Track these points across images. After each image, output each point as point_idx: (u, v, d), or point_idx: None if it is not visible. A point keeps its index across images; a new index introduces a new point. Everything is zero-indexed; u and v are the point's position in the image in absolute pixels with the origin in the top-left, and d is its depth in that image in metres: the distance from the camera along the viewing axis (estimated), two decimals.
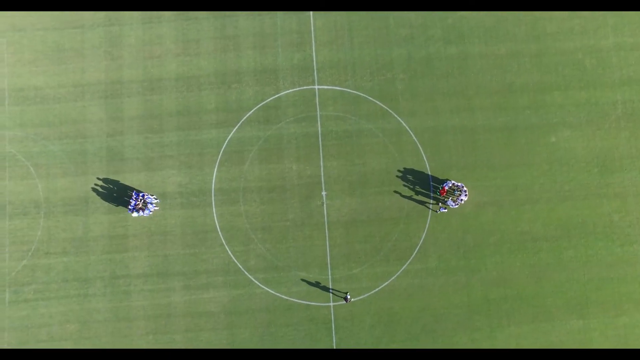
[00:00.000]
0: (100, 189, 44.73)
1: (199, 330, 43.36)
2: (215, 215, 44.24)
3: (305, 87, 45.54)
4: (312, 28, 46.21)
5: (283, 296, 43.58)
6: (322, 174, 44.60)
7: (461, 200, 43.89)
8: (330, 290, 43.42)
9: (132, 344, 43.15)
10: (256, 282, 43.65)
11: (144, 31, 46.24)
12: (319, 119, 45.16)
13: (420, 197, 44.67)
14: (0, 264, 43.78)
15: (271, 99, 45.29)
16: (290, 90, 45.50)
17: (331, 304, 43.58)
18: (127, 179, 44.78)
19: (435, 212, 44.32)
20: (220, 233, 44.07)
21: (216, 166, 44.67)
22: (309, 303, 43.57)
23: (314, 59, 45.90)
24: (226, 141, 44.89)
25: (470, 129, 45.47)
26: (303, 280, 43.66)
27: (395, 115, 45.43)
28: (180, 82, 45.61)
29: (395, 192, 44.66)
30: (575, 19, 46.54)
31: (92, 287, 43.84)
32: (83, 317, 43.53)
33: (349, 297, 43.00)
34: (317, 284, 43.65)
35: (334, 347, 43.12)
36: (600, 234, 44.51)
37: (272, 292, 43.58)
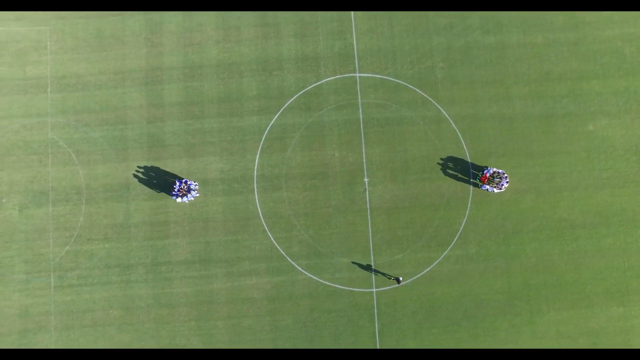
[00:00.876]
0: (141, 176, 44.83)
1: (242, 316, 43.54)
2: (257, 201, 44.43)
3: (346, 75, 45.79)
4: (353, 16, 46.44)
5: (326, 282, 43.82)
6: (364, 160, 44.86)
7: (502, 185, 44.21)
8: (381, 273, 43.67)
9: (175, 331, 43.30)
10: (299, 268, 43.88)
11: (184, 18, 46.34)
12: (360, 107, 45.41)
13: (460, 184, 44.98)
14: (45, 249, 43.83)
15: (312, 86, 45.51)
16: (332, 78, 45.73)
17: (374, 289, 43.86)
18: (167, 166, 44.90)
19: (478, 188, 44.45)
20: (262, 220, 44.27)
21: (258, 153, 44.86)
22: (351, 289, 43.83)
23: (355, 47, 46.14)
24: (268, 128, 45.09)
25: (508, 117, 45.80)
26: (346, 266, 43.88)
27: (435, 103, 45.73)
28: (221, 69, 45.75)
29: (436, 179, 44.96)
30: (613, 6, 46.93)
31: (134, 273, 43.95)
32: (126, 304, 43.65)
33: (400, 279, 43.23)
34: (359, 270, 43.89)
35: (376, 333, 43.36)
36: None
37: (315, 278, 43.82)
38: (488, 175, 44.35)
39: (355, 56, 46.00)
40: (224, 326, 43.51)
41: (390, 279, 43.69)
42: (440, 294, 44.07)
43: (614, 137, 45.76)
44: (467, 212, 44.81)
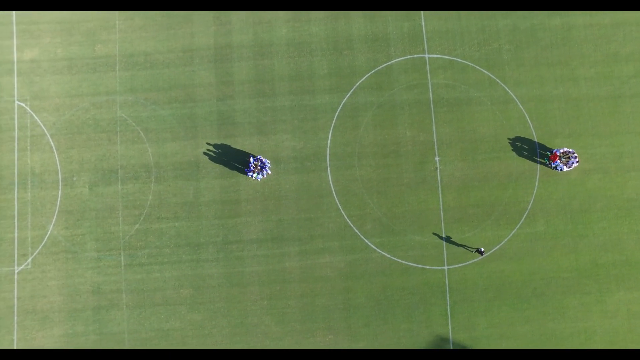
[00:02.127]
0: (211, 154, 44.64)
1: (315, 295, 43.49)
2: (330, 179, 44.44)
3: (415, 56, 46.02)
4: None
5: (398, 260, 43.93)
6: (434, 140, 45.09)
7: (572, 164, 44.64)
8: (461, 246, 43.86)
9: (247, 310, 43.11)
10: (372, 246, 43.94)
11: None
12: (430, 87, 45.65)
13: (528, 164, 45.36)
14: (115, 227, 43.43)
15: (383, 66, 45.68)
16: (402, 58, 45.93)
17: (445, 267, 44.04)
18: (238, 144, 44.75)
19: (546, 167, 44.84)
20: (336, 197, 44.28)
21: (330, 131, 44.89)
22: (423, 267, 43.97)
23: (424, 28, 46.38)
24: (340, 106, 45.15)
25: (574, 98, 46.31)
26: (418, 243, 44.03)
27: (502, 84, 46.12)
28: (291, 48, 45.74)
29: (504, 158, 45.30)
30: None
31: (204, 252, 43.70)
32: (196, 283, 43.36)
33: (483, 250, 43.43)
34: (431, 248, 44.06)
35: (448, 310, 43.54)
36: None
37: (388, 256, 43.90)
38: (558, 154, 44.77)
39: (424, 37, 46.26)
40: (296, 305, 43.40)
41: (473, 251, 43.91)
42: (510, 271, 44.38)
43: None
44: (535, 191, 45.19)
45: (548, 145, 45.63)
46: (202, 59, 45.51)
